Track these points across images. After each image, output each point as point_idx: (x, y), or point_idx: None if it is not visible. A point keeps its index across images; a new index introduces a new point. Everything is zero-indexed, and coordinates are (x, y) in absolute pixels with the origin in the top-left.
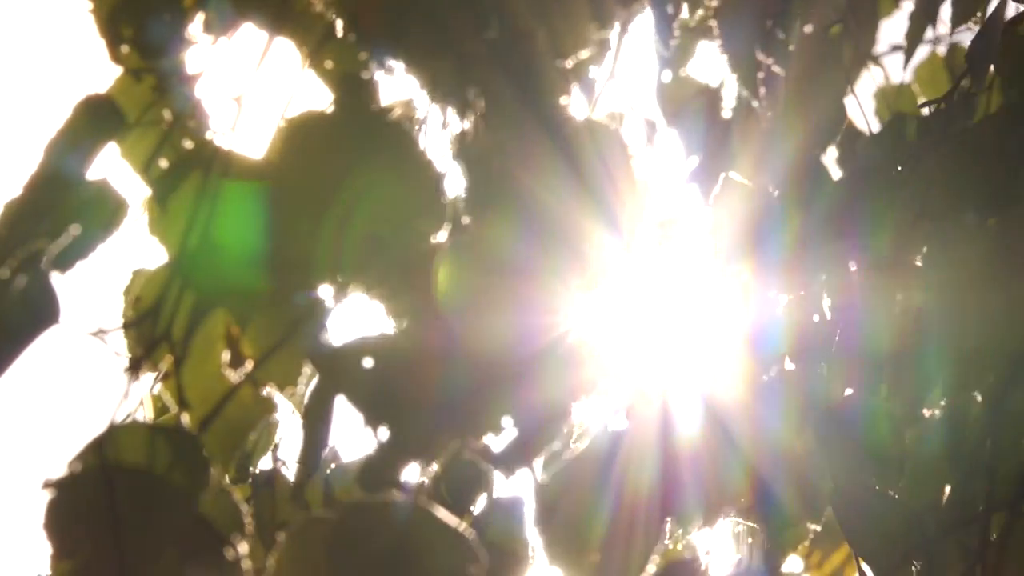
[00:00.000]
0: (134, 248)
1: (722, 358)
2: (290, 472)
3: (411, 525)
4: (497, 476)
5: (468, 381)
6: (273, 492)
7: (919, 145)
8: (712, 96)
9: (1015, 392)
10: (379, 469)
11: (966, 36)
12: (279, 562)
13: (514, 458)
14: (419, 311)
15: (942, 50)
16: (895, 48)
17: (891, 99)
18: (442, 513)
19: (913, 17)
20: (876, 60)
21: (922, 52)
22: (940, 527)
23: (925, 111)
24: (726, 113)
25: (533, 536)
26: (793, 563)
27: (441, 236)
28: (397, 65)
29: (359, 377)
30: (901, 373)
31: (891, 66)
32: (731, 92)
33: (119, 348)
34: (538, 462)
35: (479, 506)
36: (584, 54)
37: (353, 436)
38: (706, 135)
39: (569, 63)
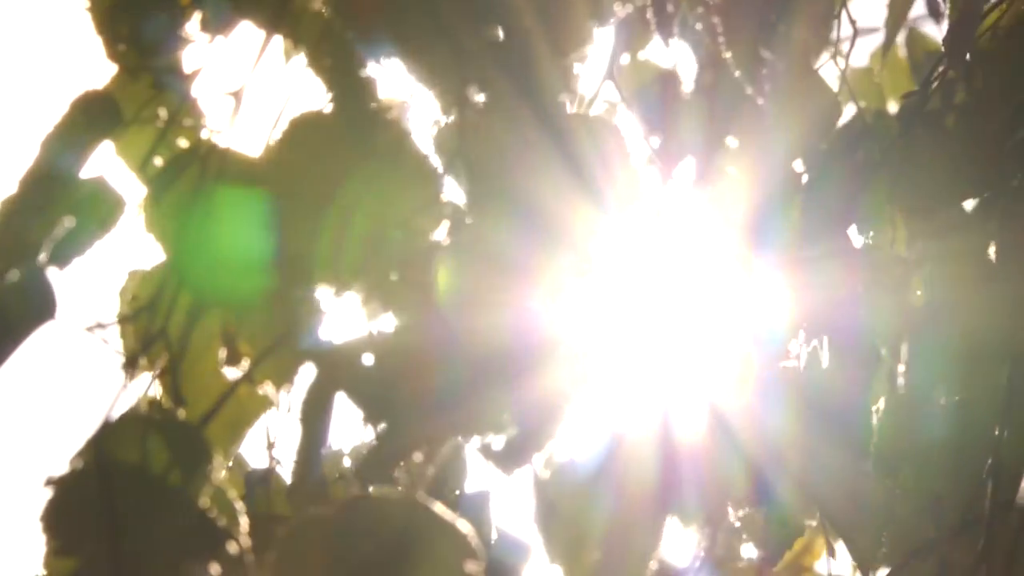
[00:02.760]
0: (131, 246)
1: (720, 352)
2: (285, 470)
3: (409, 521)
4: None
5: (468, 378)
6: (268, 490)
7: (897, 132)
8: (670, 77)
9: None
10: (378, 465)
11: (923, 22)
12: (278, 558)
13: (514, 455)
14: (418, 308)
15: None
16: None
17: (854, 84)
18: (440, 509)
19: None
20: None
21: (877, 38)
22: (945, 527)
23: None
24: (686, 88)
25: (529, 533)
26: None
27: (439, 233)
28: (395, 63)
29: (359, 374)
30: (903, 368)
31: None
32: (690, 73)
33: (116, 345)
34: (538, 459)
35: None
36: (583, 50)
37: (348, 434)
38: (665, 115)
39: (567, 59)
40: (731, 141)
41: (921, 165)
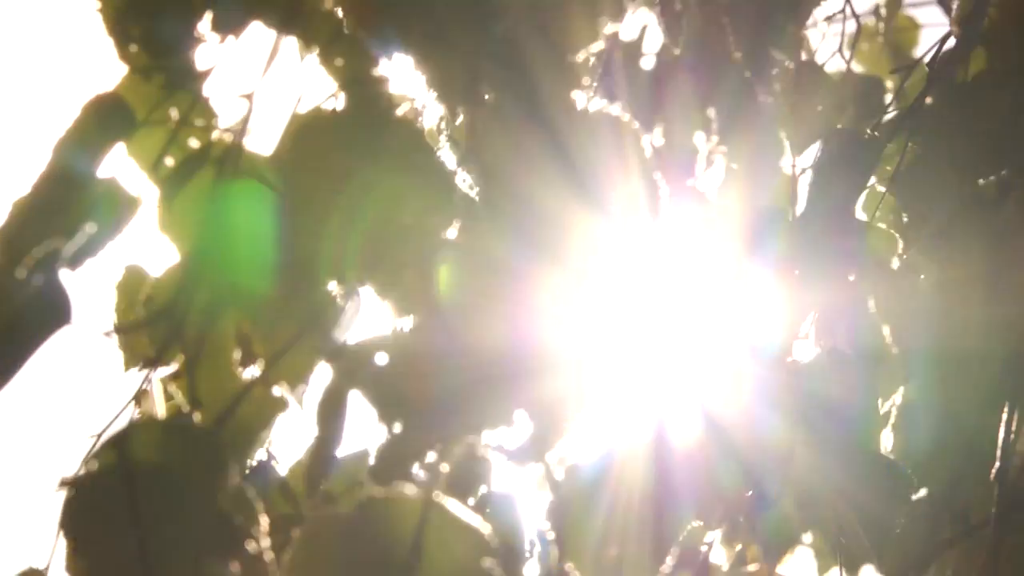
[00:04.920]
0: (145, 247)
1: (726, 353)
2: (281, 467)
3: (425, 519)
4: (495, 469)
5: (480, 376)
6: (266, 487)
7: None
8: (631, 49)
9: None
10: (392, 464)
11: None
12: (294, 557)
13: (527, 452)
14: (431, 307)
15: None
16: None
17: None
18: (456, 507)
19: None
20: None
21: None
22: (953, 530)
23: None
24: (646, 64)
25: (534, 531)
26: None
27: (451, 233)
28: (406, 62)
29: (373, 373)
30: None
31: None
32: (652, 43)
33: (120, 345)
34: (552, 457)
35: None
36: (594, 48)
37: (359, 432)
38: (629, 88)
39: (579, 58)
40: (734, 137)
41: (932, 145)
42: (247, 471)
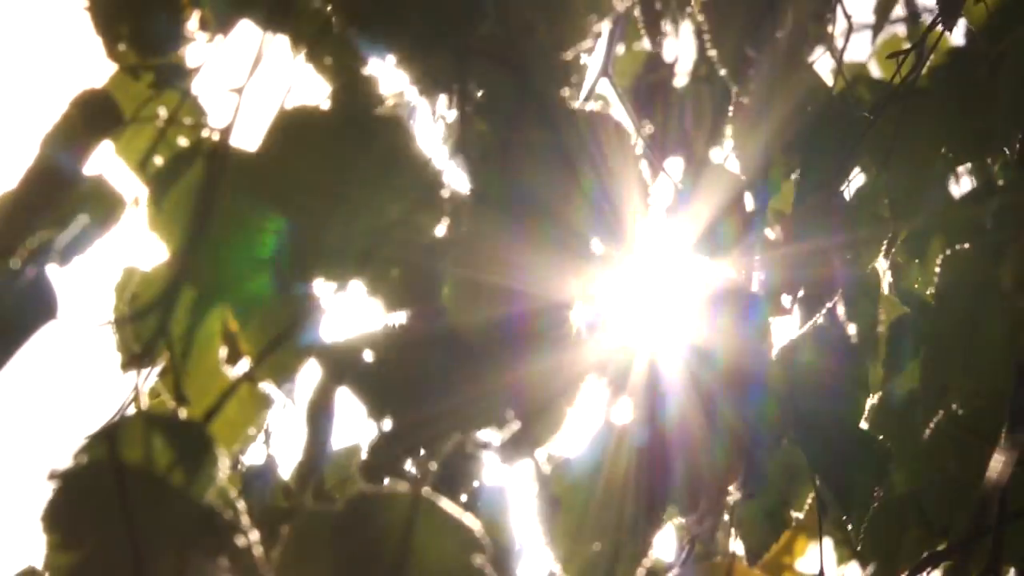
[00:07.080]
0: (133, 244)
1: (716, 341)
2: (282, 465)
3: (415, 516)
4: (486, 465)
5: (470, 373)
6: (266, 486)
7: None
8: (664, 68)
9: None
10: (382, 460)
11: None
12: (283, 554)
13: (516, 448)
14: (419, 304)
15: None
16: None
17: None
18: (446, 503)
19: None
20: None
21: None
22: (951, 540)
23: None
24: (678, 80)
25: (527, 526)
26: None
27: (439, 230)
28: (395, 59)
29: (362, 370)
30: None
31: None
32: (685, 63)
33: (116, 343)
34: (541, 453)
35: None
36: (583, 45)
37: (348, 430)
38: (658, 105)
39: (568, 55)
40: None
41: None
42: (247, 472)
